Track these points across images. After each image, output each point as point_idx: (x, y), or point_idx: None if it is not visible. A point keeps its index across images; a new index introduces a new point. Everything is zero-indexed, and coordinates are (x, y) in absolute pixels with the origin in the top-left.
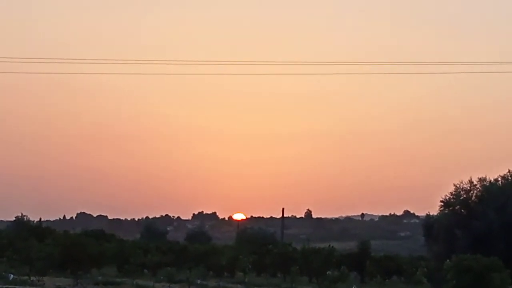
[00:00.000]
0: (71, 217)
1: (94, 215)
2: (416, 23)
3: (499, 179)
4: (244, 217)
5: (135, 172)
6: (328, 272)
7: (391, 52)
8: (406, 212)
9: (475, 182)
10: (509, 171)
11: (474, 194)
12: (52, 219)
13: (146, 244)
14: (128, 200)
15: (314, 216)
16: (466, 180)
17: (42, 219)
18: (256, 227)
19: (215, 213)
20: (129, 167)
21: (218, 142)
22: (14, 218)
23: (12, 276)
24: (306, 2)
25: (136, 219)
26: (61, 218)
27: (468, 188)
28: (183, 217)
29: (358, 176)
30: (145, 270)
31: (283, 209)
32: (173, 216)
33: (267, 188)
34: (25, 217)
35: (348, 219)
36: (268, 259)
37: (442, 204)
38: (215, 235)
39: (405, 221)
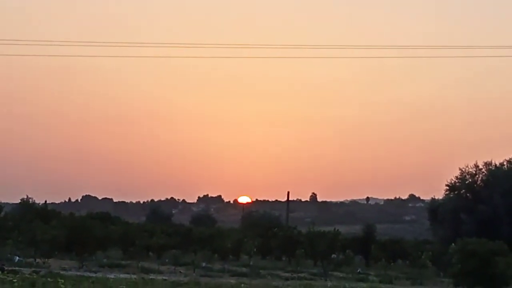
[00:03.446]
0: (76, 200)
1: (100, 198)
2: (428, 8)
3: (505, 163)
4: (249, 200)
5: (141, 155)
6: (333, 256)
7: (400, 39)
8: (412, 196)
9: (480, 166)
10: None
11: (480, 178)
12: (57, 201)
13: (151, 227)
14: (134, 183)
15: (319, 199)
16: (471, 164)
17: (48, 202)
18: (261, 210)
19: (220, 196)
20: (135, 151)
21: (223, 125)
22: (19, 201)
23: (17, 258)
24: None
25: (141, 202)
26: (66, 200)
27: (474, 172)
28: (188, 200)
29: (364, 160)
30: (150, 253)
31: (288, 192)
32: (178, 199)
33: (272, 172)
34: (30, 200)
35: (353, 202)
36: (273, 242)
37: (447, 188)
38: (220, 218)
39: (410, 205)
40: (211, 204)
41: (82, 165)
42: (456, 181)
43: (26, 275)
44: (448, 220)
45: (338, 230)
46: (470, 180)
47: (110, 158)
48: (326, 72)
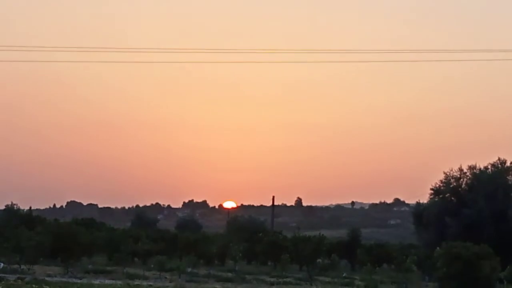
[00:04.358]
0: (61, 206)
1: (85, 204)
2: (408, 13)
3: (489, 167)
4: (234, 205)
5: (125, 161)
6: (318, 260)
7: (383, 43)
8: (396, 200)
9: (465, 170)
10: (498, 159)
11: (464, 182)
12: (42, 207)
13: (136, 232)
14: (119, 188)
15: (304, 204)
16: (456, 168)
17: (32, 208)
18: (247, 215)
19: (205, 201)
20: (120, 156)
21: (208, 131)
22: (4, 207)
23: (2, 264)
24: None
25: (127, 207)
26: (51, 206)
27: (458, 176)
28: (173, 206)
29: (349, 164)
30: (136, 259)
31: (273, 197)
32: (163, 205)
33: (257, 176)
34: (15, 206)
35: (339, 207)
36: (259, 247)
37: (432, 192)
38: (205, 224)
39: (395, 209)
40: (196, 209)
41: (67, 171)
42: (441, 185)
43: (11, 281)
44: (433, 224)
45: (323, 234)
46: (454, 184)
47: (95, 164)
48: (310, 77)
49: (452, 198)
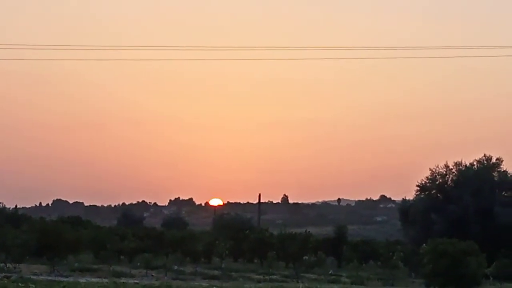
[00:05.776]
0: (47, 204)
1: (70, 202)
2: (404, 9)
3: (475, 163)
4: (220, 203)
5: (111, 159)
6: (305, 257)
7: (372, 40)
8: (383, 197)
9: (451, 167)
10: (484, 156)
11: (450, 178)
12: (28, 206)
13: (122, 230)
14: (105, 186)
15: (290, 201)
16: (442, 164)
17: (18, 206)
18: (233, 212)
19: (191, 199)
20: (105, 154)
21: (195, 129)
22: None
23: None
24: None
25: (113, 205)
26: (37, 205)
27: (444, 172)
28: (159, 203)
29: (335, 162)
30: (122, 256)
31: (259, 194)
32: (149, 202)
33: (243, 174)
34: (0, 204)
35: (325, 204)
36: (245, 244)
37: (418, 188)
38: (191, 221)
39: (381, 205)
40: (182, 207)
41: (52, 169)
42: (427, 181)
43: None
44: (419, 221)
45: (309, 231)
46: (440, 180)
47: (80, 162)
48: (297, 74)
49: (438, 195)
